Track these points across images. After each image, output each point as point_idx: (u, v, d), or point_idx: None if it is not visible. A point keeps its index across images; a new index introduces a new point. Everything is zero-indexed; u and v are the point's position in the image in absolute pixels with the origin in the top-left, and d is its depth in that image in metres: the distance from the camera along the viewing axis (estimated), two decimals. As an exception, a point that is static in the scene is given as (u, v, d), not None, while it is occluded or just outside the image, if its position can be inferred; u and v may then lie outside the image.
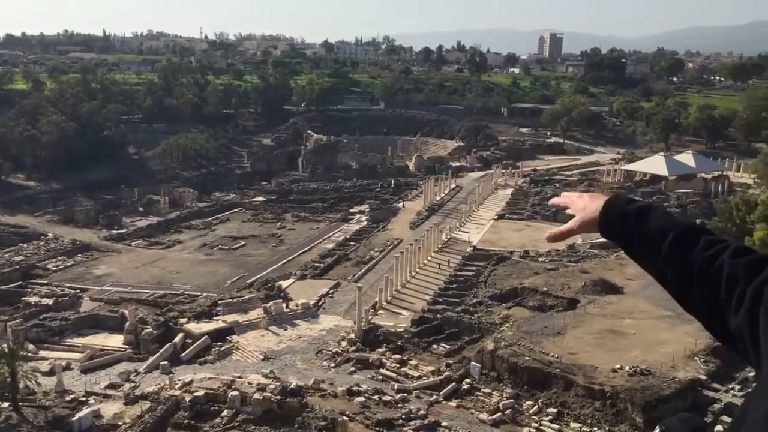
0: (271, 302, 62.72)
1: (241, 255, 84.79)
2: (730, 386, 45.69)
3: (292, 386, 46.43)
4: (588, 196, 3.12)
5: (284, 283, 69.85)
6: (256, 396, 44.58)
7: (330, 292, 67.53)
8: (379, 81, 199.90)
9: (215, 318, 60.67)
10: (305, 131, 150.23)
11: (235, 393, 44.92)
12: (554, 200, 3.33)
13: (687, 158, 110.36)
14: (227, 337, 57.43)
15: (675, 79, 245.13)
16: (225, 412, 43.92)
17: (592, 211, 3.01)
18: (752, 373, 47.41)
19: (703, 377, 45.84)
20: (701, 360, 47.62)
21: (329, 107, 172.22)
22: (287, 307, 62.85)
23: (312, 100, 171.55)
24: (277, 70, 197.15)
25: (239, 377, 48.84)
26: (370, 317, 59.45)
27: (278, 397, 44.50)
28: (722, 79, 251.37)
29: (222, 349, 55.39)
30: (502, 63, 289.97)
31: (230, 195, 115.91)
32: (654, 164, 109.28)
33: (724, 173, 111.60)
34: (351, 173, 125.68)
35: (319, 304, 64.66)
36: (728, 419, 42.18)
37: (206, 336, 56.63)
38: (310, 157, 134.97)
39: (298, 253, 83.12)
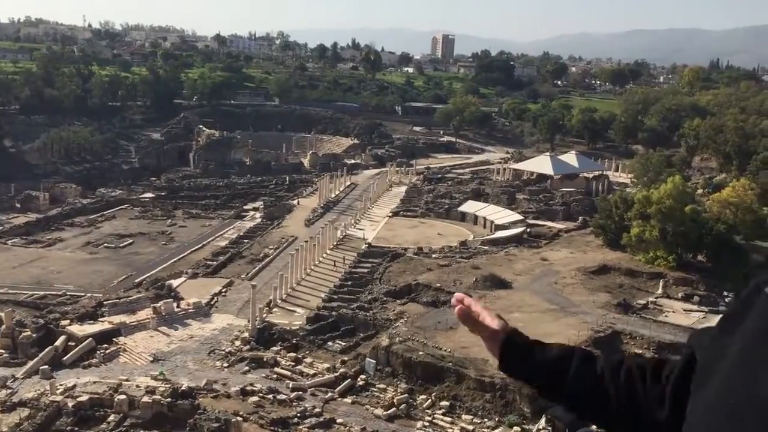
0: (161, 302, 60.72)
1: (128, 253, 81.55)
2: (610, 375, 48.23)
3: (183, 388, 45.17)
4: (488, 319, 2.91)
5: (175, 282, 67.82)
6: (145, 399, 43.07)
7: (223, 290, 66.18)
8: (273, 76, 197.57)
9: (100, 319, 58.05)
10: (197, 126, 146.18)
11: (123, 397, 43.21)
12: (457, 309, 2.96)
13: (570, 158, 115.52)
14: (114, 339, 55.12)
15: (559, 82, 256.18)
16: (111, 417, 42.16)
17: (493, 351, 2.94)
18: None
19: (586, 367, 48.11)
20: (584, 350, 49.99)
21: (222, 102, 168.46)
22: (178, 306, 61.07)
23: (204, 94, 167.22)
24: (167, 62, 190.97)
25: (127, 380, 47.01)
26: (264, 315, 58.75)
27: (168, 399, 43.17)
28: (602, 83, 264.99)
29: (108, 351, 53.10)
30: (397, 62, 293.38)
31: (117, 191, 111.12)
32: (540, 164, 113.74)
33: (604, 173, 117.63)
34: (245, 170, 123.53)
35: (212, 303, 63.22)
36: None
37: (91, 338, 54.12)
38: (202, 153, 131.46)
39: (189, 251, 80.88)
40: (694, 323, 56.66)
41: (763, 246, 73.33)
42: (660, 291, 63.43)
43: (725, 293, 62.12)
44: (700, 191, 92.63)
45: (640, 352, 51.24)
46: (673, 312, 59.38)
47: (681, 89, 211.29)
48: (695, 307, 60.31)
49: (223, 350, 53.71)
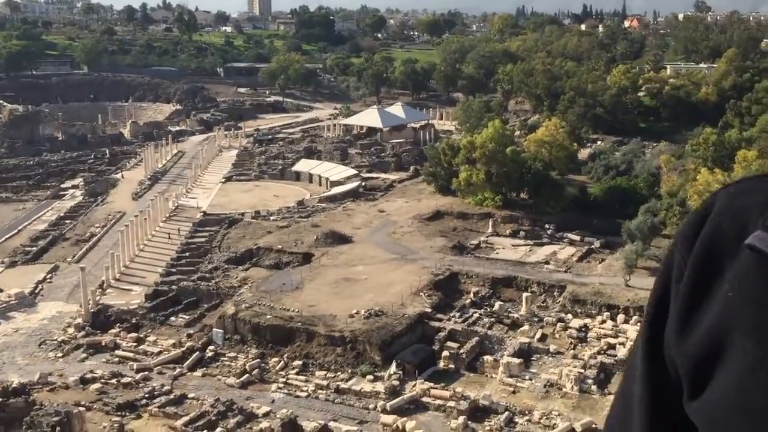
0: (-23, 297, 55.50)
1: (-70, 248, 73.34)
2: (451, 315, 50.78)
3: (14, 385, 41.88)
4: None
5: (-10, 274, 62.19)
6: (-29, 404, 39.42)
7: (48, 276, 61.75)
8: (78, 43, 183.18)
9: None
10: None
11: (-57, 405, 39.26)
12: None
13: (397, 110, 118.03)
14: (-76, 344, 49.79)
15: (379, 35, 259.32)
16: (-68, 429, 38.25)
17: None
18: (468, 301, 53.02)
19: (429, 310, 50.28)
20: (426, 295, 52.11)
21: (22, 73, 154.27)
22: (-3, 299, 56.11)
23: (0, 65, 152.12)
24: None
25: (-54, 387, 42.74)
26: (97, 298, 55.68)
27: (-2, 400, 39.83)
28: (420, 34, 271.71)
29: None
30: (213, 21, 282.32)
31: None
32: (369, 117, 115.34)
33: (430, 122, 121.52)
34: (57, 145, 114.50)
35: (36, 291, 58.83)
36: (452, 344, 46.90)
37: None
38: (5, 131, 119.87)
39: (3, 239, 74.16)
40: (521, 257, 60.80)
41: (575, 179, 79.55)
42: (490, 230, 67.17)
43: (546, 225, 66.94)
44: (518, 133, 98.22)
45: (477, 289, 54.24)
46: (503, 248, 63.25)
47: (492, 37, 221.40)
48: (522, 242, 64.62)
49: (56, 340, 50.39)
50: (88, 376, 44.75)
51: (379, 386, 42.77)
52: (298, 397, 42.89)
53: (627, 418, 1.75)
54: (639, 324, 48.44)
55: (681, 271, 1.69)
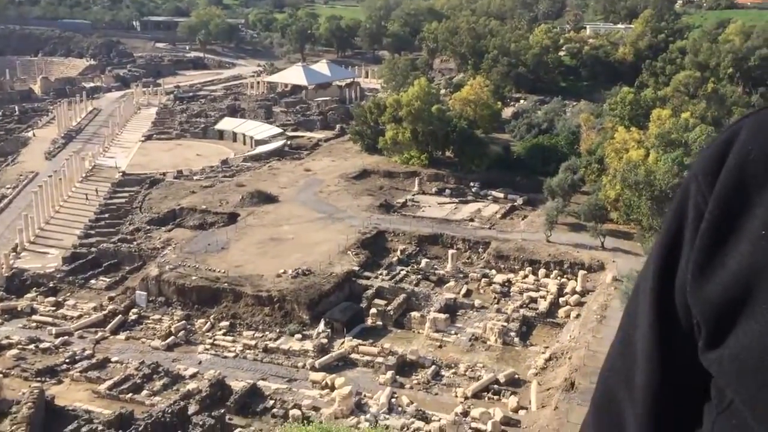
0: None
1: None
2: (378, 272, 51.22)
3: (-77, 355, 40.02)
4: None
5: None
6: None
7: (-44, 241, 58.78)
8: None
9: None
10: None
11: None
12: None
13: (322, 67, 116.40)
14: None
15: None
16: None
17: None
18: (395, 258, 53.57)
19: (356, 268, 50.54)
20: (353, 253, 52.29)
21: None
22: None
23: None
24: None
25: None
26: (12, 262, 53.56)
27: None
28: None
29: None
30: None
31: None
32: (293, 75, 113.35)
33: (355, 80, 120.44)
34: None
35: (-56, 256, 55.97)
36: (380, 301, 47.42)
37: None
38: None
39: None
40: (447, 214, 61.65)
41: (499, 138, 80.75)
42: (416, 188, 67.70)
43: (471, 183, 67.97)
44: (443, 91, 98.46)
45: (404, 247, 54.80)
46: (429, 206, 63.95)
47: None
48: (447, 200, 65.48)
49: (-33, 306, 48.27)
50: (5, 342, 43.39)
51: (308, 345, 42.96)
52: (225, 357, 42.65)
53: (629, 369, 1.62)
54: (558, 276, 50.06)
55: (699, 209, 1.53)
